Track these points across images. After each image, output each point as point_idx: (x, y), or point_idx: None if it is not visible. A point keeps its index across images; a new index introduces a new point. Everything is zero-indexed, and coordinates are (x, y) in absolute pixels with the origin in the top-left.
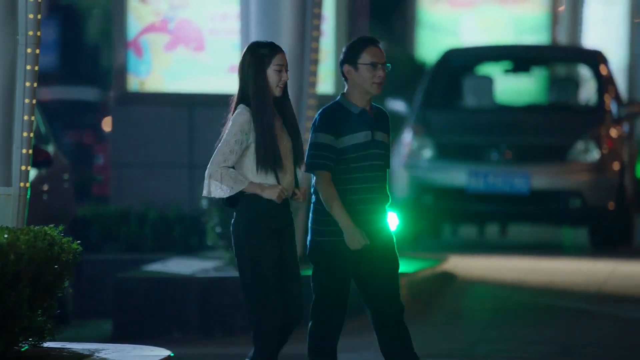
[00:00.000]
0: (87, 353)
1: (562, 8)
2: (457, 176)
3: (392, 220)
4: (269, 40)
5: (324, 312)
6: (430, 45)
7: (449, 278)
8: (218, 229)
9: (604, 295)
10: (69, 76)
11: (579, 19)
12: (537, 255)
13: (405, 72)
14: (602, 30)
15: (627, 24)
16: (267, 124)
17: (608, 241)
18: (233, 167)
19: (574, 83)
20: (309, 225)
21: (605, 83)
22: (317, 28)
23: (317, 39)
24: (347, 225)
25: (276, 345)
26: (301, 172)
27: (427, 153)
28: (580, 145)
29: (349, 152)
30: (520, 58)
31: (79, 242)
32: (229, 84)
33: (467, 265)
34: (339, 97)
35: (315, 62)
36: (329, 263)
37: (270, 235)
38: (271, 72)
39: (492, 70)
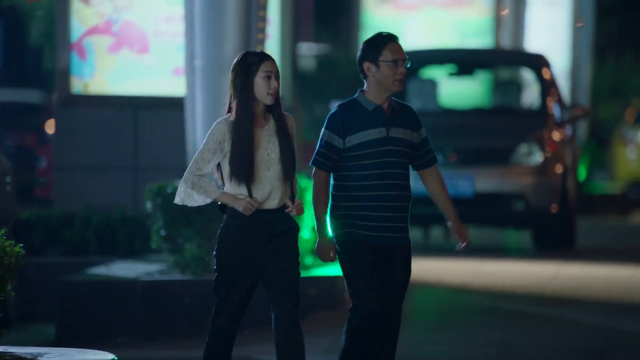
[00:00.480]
0: (30, 357)
1: (505, 12)
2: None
3: None
4: (212, 43)
5: (360, 299)
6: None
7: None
8: (162, 232)
9: (547, 297)
10: (11, 78)
11: (522, 23)
12: (482, 257)
13: (350, 75)
14: (545, 34)
15: (570, 28)
16: (243, 134)
17: (551, 243)
18: (228, 176)
19: (517, 86)
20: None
21: (548, 86)
22: (262, 31)
23: (262, 42)
24: (322, 235)
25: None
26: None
27: None
28: (523, 148)
29: (362, 148)
30: (464, 62)
31: (21, 245)
32: (174, 86)
33: (429, 268)
34: (357, 93)
35: None
36: (350, 252)
37: (253, 245)
38: (259, 80)
39: (436, 73)
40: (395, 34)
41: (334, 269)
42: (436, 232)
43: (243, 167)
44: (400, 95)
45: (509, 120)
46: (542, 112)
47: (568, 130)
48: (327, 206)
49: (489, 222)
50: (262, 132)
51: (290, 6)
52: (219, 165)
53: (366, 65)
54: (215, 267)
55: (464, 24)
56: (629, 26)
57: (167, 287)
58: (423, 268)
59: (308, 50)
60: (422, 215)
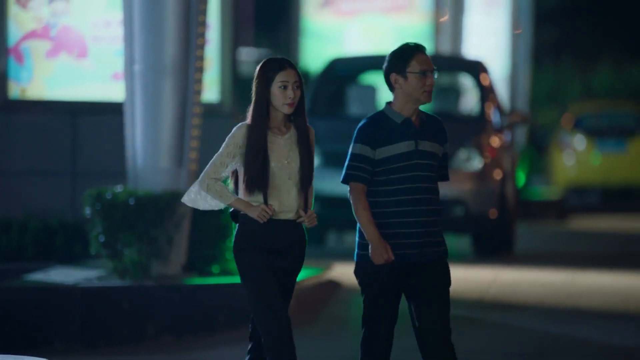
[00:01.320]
0: None
1: (444, 18)
2: (343, 185)
3: None
4: (152, 47)
5: (373, 324)
6: (315, 54)
7: (333, 286)
8: (101, 238)
9: (486, 302)
10: None
11: (461, 29)
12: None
13: None
14: (484, 40)
15: (508, 35)
16: (255, 140)
17: (490, 249)
18: (236, 180)
19: (456, 92)
20: (356, 239)
21: (486, 92)
22: (202, 36)
23: (202, 47)
24: (373, 238)
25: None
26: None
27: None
28: (462, 154)
29: (391, 162)
30: None
31: None
32: (113, 91)
33: (352, 273)
34: (384, 106)
35: (200, 70)
36: (375, 276)
37: (265, 252)
38: (275, 90)
39: (377, 79)
40: (421, 43)
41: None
42: None
43: (258, 174)
44: (342, 100)
45: (447, 126)
46: (480, 118)
47: (507, 136)
48: (369, 212)
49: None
50: (282, 140)
51: (230, 11)
52: (234, 170)
53: (393, 77)
54: (245, 287)
55: (404, 30)
56: (567, 33)
57: (106, 293)
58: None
59: (249, 55)
60: (341, 219)
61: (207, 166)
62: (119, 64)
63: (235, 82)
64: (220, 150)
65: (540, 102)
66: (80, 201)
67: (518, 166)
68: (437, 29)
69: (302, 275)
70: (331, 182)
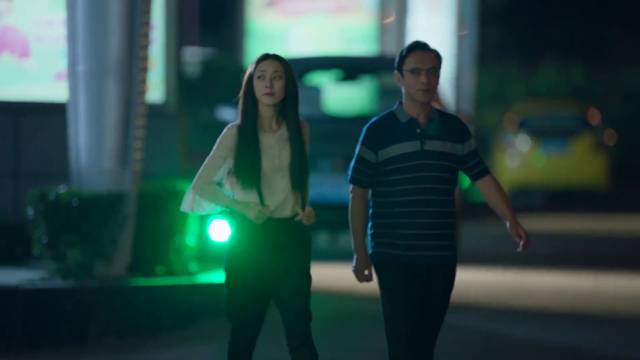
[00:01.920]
0: None
1: (389, 20)
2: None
3: (223, 230)
4: (95, 47)
5: (393, 321)
6: (259, 54)
7: None
8: (44, 239)
9: None
10: None
11: (405, 30)
12: None
13: (235, 81)
14: (428, 41)
15: (453, 36)
16: (245, 138)
17: None
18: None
19: (401, 93)
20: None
21: None
22: (146, 36)
23: (146, 47)
24: (357, 251)
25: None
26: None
27: None
28: None
29: (395, 162)
30: (349, 68)
31: None
32: (56, 91)
33: (317, 274)
34: (395, 105)
35: (144, 70)
36: (383, 274)
37: (264, 256)
38: (255, 80)
39: (322, 80)
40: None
41: (220, 276)
42: (321, 238)
43: (250, 173)
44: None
45: None
46: None
47: None
48: (363, 223)
49: None
50: (273, 137)
51: (174, 11)
52: (230, 171)
53: (397, 75)
54: (225, 286)
55: (349, 31)
56: (511, 34)
57: (49, 294)
58: None
59: (193, 55)
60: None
61: (200, 170)
62: (62, 64)
63: (180, 82)
64: (212, 152)
65: (484, 102)
66: (23, 202)
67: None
68: (382, 30)
69: None
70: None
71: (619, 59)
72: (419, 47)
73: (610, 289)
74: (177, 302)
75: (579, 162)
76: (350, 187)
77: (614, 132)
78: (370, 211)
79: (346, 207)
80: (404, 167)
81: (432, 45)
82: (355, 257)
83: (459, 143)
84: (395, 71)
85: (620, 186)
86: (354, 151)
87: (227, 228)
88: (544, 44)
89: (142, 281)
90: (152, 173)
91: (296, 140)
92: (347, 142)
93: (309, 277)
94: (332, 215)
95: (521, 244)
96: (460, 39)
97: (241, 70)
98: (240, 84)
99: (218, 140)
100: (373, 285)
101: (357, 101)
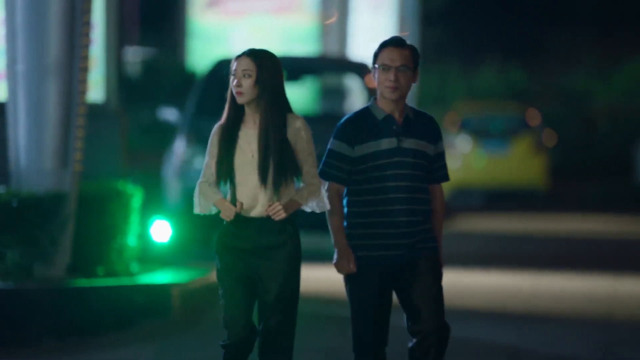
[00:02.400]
0: None
1: (331, 20)
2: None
3: (164, 230)
4: (35, 47)
5: (359, 326)
6: (202, 54)
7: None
8: None
9: None
10: None
11: (347, 31)
12: (308, 263)
13: (177, 81)
14: (370, 41)
15: None
16: (223, 134)
17: None
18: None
19: (343, 94)
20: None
21: (371, 94)
22: (87, 35)
23: (86, 47)
24: (339, 247)
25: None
26: (304, 182)
27: (200, 162)
28: None
29: (370, 159)
30: (291, 68)
31: None
32: None
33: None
34: (370, 101)
35: (85, 70)
36: (355, 278)
37: (245, 257)
38: (231, 78)
39: None
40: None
41: (161, 277)
42: None
43: (221, 169)
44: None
45: (334, 127)
46: None
47: None
48: (341, 217)
49: (317, 228)
50: (249, 132)
51: (115, 10)
52: None
53: (373, 71)
54: (220, 292)
55: (291, 31)
56: (452, 35)
57: None
58: None
59: (135, 55)
60: None
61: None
62: (1, 64)
63: (121, 82)
64: (207, 153)
65: (426, 103)
66: None
67: None
68: (324, 30)
69: (188, 277)
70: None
71: (558, 59)
72: (392, 43)
73: (549, 289)
74: (118, 303)
75: (518, 163)
76: (326, 184)
77: (553, 132)
78: (345, 210)
79: None
80: (380, 165)
81: (374, 45)
82: (336, 250)
83: (432, 143)
84: (372, 67)
85: (559, 186)
86: None
87: (168, 228)
88: (484, 45)
89: (83, 282)
90: (93, 173)
91: (264, 135)
92: None
93: (292, 279)
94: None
95: None
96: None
97: (183, 70)
98: (182, 84)
99: (209, 140)
100: (312, 286)
101: (300, 101)
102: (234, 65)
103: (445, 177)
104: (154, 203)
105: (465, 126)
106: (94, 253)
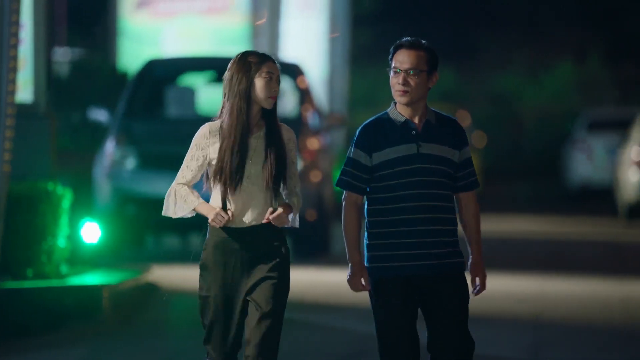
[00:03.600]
0: None
1: (261, 22)
2: (161, 186)
3: (94, 231)
4: None
5: (385, 341)
6: (132, 55)
7: (151, 289)
8: None
9: (306, 304)
10: None
11: (278, 32)
12: None
13: (107, 82)
14: (301, 43)
15: (326, 38)
16: (235, 140)
17: (308, 250)
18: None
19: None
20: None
21: (304, 95)
22: (15, 35)
23: (15, 47)
24: (353, 263)
25: None
26: (288, 192)
27: (130, 163)
28: None
29: (390, 166)
30: (222, 69)
31: None
32: None
33: (170, 275)
34: (390, 106)
35: (14, 70)
36: (378, 289)
37: (235, 266)
38: (260, 81)
39: (195, 81)
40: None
41: (91, 278)
42: (195, 240)
43: (233, 178)
44: (160, 102)
45: None
46: (298, 120)
47: (325, 138)
48: (356, 230)
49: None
50: (250, 138)
51: (43, 10)
52: (208, 175)
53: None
54: (199, 301)
55: (221, 32)
56: (383, 37)
57: None
58: (181, 276)
59: (64, 55)
60: (180, 222)
61: (178, 173)
62: None
63: (50, 82)
64: (187, 153)
65: (357, 104)
66: None
67: (336, 168)
68: (254, 31)
69: (119, 278)
70: (149, 184)
71: (488, 62)
72: (404, 45)
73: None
74: (48, 305)
75: None
76: (344, 193)
77: (483, 134)
78: (365, 220)
79: None
80: (399, 172)
81: (306, 46)
82: (350, 266)
83: (456, 148)
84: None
85: (489, 187)
86: None
87: (98, 230)
88: None
89: (12, 284)
90: (21, 174)
91: (273, 144)
92: None
93: (282, 289)
94: (205, 217)
95: (475, 292)
96: (332, 41)
97: (114, 70)
98: (113, 85)
99: (192, 141)
100: None
101: None
102: (268, 69)
103: (474, 184)
104: (83, 204)
105: None
106: (23, 255)
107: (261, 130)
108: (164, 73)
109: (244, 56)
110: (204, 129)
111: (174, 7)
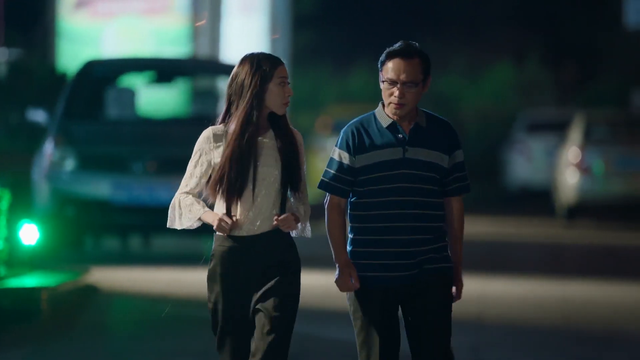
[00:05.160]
0: None
1: (201, 23)
2: (101, 188)
3: (33, 233)
4: None
5: (364, 352)
6: (72, 56)
7: (91, 290)
8: None
9: None
10: None
11: (219, 33)
12: (180, 266)
13: (46, 82)
14: (243, 44)
15: (267, 39)
16: (245, 147)
17: None
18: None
19: (214, 96)
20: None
21: None
22: None
23: None
24: (340, 264)
25: None
26: (296, 199)
27: (69, 164)
28: None
29: (373, 170)
30: (162, 70)
31: None
32: None
33: (110, 277)
34: (378, 106)
35: None
36: (357, 299)
37: (242, 275)
38: (274, 87)
39: (135, 82)
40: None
41: (30, 280)
42: (135, 241)
43: (239, 185)
44: (100, 103)
45: (205, 129)
46: None
47: None
48: (341, 232)
49: (188, 231)
50: (265, 143)
51: None
52: (209, 181)
53: (380, 75)
54: (210, 310)
55: (161, 33)
56: (324, 38)
57: None
58: (121, 278)
59: (1, 55)
60: (121, 224)
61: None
62: None
63: None
64: (190, 161)
65: (298, 106)
66: None
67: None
68: (195, 32)
69: (58, 280)
70: (88, 185)
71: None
72: (399, 54)
73: None
74: None
75: None
76: (327, 196)
77: None
78: (349, 226)
79: (159, 210)
80: (383, 177)
81: (247, 47)
82: (337, 267)
83: (445, 153)
84: (379, 71)
85: None
86: (167, 153)
87: (36, 231)
88: (356, 48)
89: None
90: None
91: (286, 148)
92: (161, 144)
93: (291, 300)
94: (145, 218)
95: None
96: (274, 42)
97: (53, 71)
98: (52, 85)
99: (195, 147)
100: (187, 289)
101: (171, 103)
102: (281, 73)
103: (463, 189)
104: (22, 205)
105: (337, 129)
106: None
107: (268, 132)
108: (103, 74)
109: (255, 59)
110: (206, 133)
111: (113, 8)
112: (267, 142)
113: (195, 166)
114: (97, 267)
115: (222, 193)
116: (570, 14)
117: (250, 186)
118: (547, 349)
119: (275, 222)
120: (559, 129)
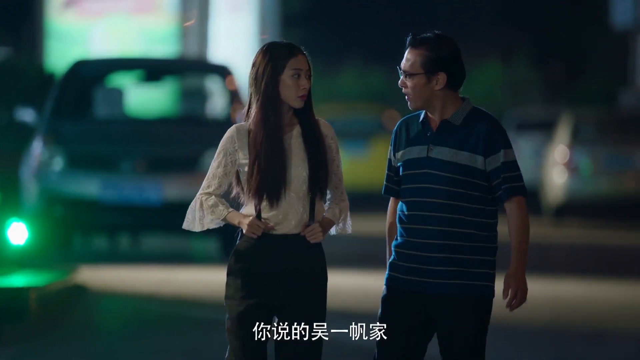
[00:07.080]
0: None
1: (190, 23)
2: (89, 187)
3: (21, 232)
4: None
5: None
6: (60, 55)
7: (79, 290)
8: None
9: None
10: None
11: (207, 32)
12: (169, 265)
13: (35, 82)
14: (231, 43)
15: (255, 39)
16: (272, 144)
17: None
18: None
19: (203, 96)
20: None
21: (233, 96)
22: None
23: None
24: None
25: None
26: (331, 197)
27: (58, 163)
28: (208, 158)
29: (404, 168)
30: (150, 70)
31: None
32: None
33: (98, 276)
34: None
35: None
36: (383, 300)
37: (267, 278)
38: (287, 79)
39: (123, 81)
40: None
41: (18, 280)
42: (123, 241)
43: (275, 185)
44: (88, 102)
45: (195, 128)
46: (227, 121)
47: None
48: (389, 232)
49: (177, 230)
50: (291, 140)
51: None
52: (239, 180)
53: None
54: (226, 311)
55: (150, 32)
56: (313, 38)
57: None
58: (110, 277)
59: None
60: (109, 223)
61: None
62: None
63: None
64: (213, 161)
65: None
66: None
67: None
68: (183, 31)
69: (46, 280)
70: (76, 185)
71: None
72: (410, 42)
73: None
74: None
75: (377, 164)
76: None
77: None
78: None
79: (148, 209)
80: (409, 176)
81: (236, 46)
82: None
83: (480, 154)
84: None
85: None
86: (156, 152)
87: (24, 231)
88: (345, 48)
89: None
90: None
91: (312, 143)
92: (149, 143)
93: (318, 309)
94: (133, 217)
95: (506, 301)
96: (263, 42)
97: (41, 70)
98: (40, 85)
99: (219, 146)
100: (175, 288)
101: (159, 103)
102: (294, 65)
103: (512, 191)
104: (10, 205)
105: None
106: None
107: (294, 129)
108: (92, 73)
109: (269, 49)
110: (231, 132)
111: (102, 7)
112: (294, 140)
113: (217, 166)
114: (86, 267)
115: (251, 195)
116: (558, 13)
117: (278, 189)
118: (536, 347)
119: (303, 232)
120: (547, 128)
